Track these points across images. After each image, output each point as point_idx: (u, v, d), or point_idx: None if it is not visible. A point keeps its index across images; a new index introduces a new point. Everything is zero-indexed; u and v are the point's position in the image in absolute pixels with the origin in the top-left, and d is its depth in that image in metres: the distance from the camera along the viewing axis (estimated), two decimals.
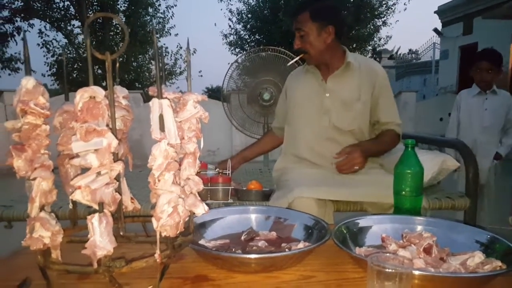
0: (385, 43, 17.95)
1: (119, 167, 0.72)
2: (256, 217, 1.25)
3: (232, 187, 1.86)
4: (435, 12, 13.31)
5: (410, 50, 22.01)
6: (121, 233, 0.90)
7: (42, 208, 0.75)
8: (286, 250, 1.02)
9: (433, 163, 1.95)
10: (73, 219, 0.93)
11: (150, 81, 16.23)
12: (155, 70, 0.79)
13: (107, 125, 0.72)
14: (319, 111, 1.86)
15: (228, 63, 3.68)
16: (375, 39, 17.19)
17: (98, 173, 0.70)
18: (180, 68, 16.38)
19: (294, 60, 2.01)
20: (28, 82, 0.70)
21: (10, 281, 0.86)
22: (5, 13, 13.36)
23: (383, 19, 16.50)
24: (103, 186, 0.70)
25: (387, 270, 0.72)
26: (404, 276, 0.72)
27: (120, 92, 0.88)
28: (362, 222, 1.15)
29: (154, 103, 0.75)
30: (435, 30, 13.74)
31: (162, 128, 0.75)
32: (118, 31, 15.15)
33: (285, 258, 0.96)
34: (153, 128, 0.75)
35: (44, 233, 0.74)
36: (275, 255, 0.96)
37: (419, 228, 1.12)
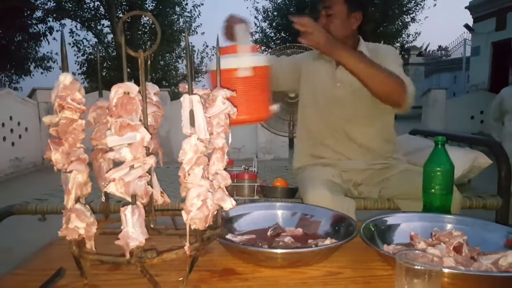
0: (413, 40, 17.75)
1: (151, 160, 0.74)
2: (282, 213, 1.25)
3: (258, 184, 1.87)
4: (466, 7, 12.95)
5: (439, 46, 21.57)
6: (152, 226, 0.92)
7: (77, 200, 0.77)
8: (313, 246, 1.02)
9: (464, 160, 1.90)
10: (105, 212, 0.96)
11: (176, 80, 16.44)
12: (185, 67, 0.81)
13: (140, 120, 0.74)
14: (329, 102, 1.79)
15: None
16: (403, 35, 17.02)
17: (132, 167, 0.73)
18: (206, 66, 16.51)
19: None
20: (66, 78, 0.73)
21: (45, 271, 0.89)
22: (38, 13, 13.80)
23: (411, 15, 16.30)
24: (136, 179, 0.72)
25: (416, 267, 0.72)
26: (433, 273, 0.71)
27: (151, 88, 0.90)
28: (391, 219, 1.14)
29: (185, 99, 0.77)
30: (466, 26, 13.37)
31: (192, 123, 0.77)
32: (146, 30, 15.42)
33: (312, 253, 0.96)
34: (183, 123, 0.77)
35: (79, 224, 0.76)
36: (302, 250, 0.97)
37: (448, 226, 1.10)
